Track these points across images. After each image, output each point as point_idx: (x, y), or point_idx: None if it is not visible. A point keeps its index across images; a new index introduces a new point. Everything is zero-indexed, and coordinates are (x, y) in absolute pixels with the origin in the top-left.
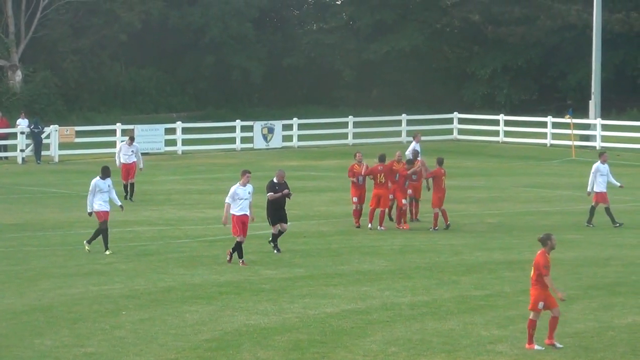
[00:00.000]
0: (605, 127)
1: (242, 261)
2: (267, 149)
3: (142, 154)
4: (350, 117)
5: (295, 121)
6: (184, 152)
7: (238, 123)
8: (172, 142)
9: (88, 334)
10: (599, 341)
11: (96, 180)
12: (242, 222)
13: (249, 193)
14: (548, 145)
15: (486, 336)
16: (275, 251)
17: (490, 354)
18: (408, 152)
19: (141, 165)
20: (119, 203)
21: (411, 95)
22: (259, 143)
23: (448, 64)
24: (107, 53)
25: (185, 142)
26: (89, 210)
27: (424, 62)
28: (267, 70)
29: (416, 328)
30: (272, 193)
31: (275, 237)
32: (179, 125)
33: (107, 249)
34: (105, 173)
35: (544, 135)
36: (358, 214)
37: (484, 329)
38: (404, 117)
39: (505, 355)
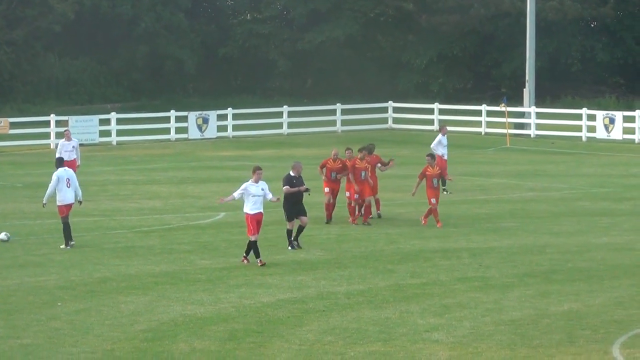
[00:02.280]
0: (539, 115)
1: (260, 260)
2: (202, 139)
3: None
4: (284, 106)
5: (229, 111)
6: (118, 143)
7: (172, 113)
8: (107, 133)
9: (24, 325)
10: (535, 328)
11: (59, 172)
12: (256, 221)
13: (263, 190)
14: (483, 133)
15: (422, 324)
16: (289, 247)
17: (426, 342)
18: (433, 146)
19: (79, 162)
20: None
21: (346, 85)
22: (193, 133)
23: (382, 53)
24: (41, 44)
25: (119, 132)
26: (44, 202)
27: (358, 51)
28: (201, 61)
29: (352, 317)
30: (288, 187)
31: (289, 233)
32: (113, 116)
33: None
34: (62, 164)
35: (478, 124)
36: (353, 210)
37: (420, 317)
38: (338, 107)
39: (441, 344)
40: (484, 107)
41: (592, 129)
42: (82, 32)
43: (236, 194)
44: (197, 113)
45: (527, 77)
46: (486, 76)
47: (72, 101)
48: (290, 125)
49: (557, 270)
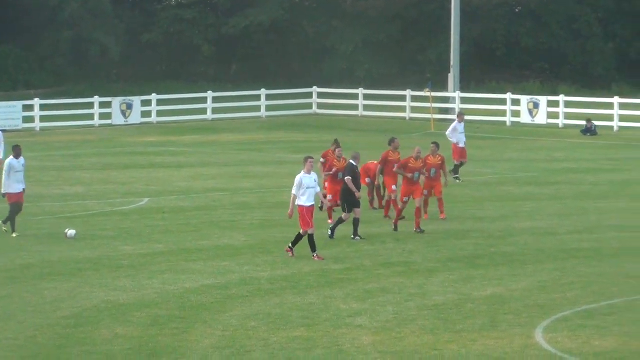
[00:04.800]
0: (464, 100)
1: (316, 255)
2: (126, 125)
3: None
4: (209, 92)
5: (154, 97)
6: (42, 129)
7: (96, 99)
8: (30, 119)
9: None
10: (459, 313)
11: (10, 160)
12: (311, 213)
13: (315, 181)
14: (407, 118)
15: (345, 309)
16: (329, 231)
17: (350, 327)
18: (448, 133)
19: (1, 156)
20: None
21: (271, 70)
22: (117, 119)
23: (307, 39)
24: None
25: (43, 118)
26: (3, 192)
27: (283, 36)
28: (125, 46)
29: (275, 302)
30: (350, 178)
31: (339, 222)
32: (37, 102)
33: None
34: (17, 152)
35: (403, 109)
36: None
37: (343, 303)
38: (263, 92)
39: (365, 329)
40: (408, 93)
41: (516, 113)
42: (6, 18)
43: (294, 191)
44: (121, 99)
45: (451, 63)
46: (412, 61)
47: None
48: (214, 110)
49: (481, 255)
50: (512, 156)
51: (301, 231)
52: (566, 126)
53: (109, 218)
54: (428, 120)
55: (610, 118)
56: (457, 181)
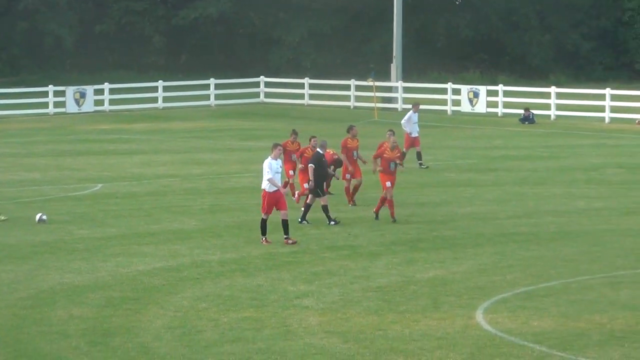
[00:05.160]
0: (406, 90)
1: (265, 239)
2: (80, 113)
3: None
4: (160, 81)
5: (106, 86)
6: None
7: (51, 88)
8: None
9: None
10: (402, 295)
11: None
12: (275, 199)
13: (280, 167)
14: (352, 107)
15: (293, 291)
16: (331, 222)
17: (297, 308)
18: (403, 122)
19: None
20: None
21: (219, 60)
22: (71, 107)
23: (254, 30)
24: None
25: None
26: None
27: (231, 27)
28: (79, 37)
29: (225, 284)
30: (313, 166)
31: (308, 208)
32: None
33: None
34: None
35: (347, 98)
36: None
37: (290, 285)
38: (212, 81)
39: (312, 309)
40: (352, 82)
41: (457, 102)
42: None
43: (266, 175)
44: (75, 88)
45: (394, 53)
46: (356, 52)
47: None
48: (165, 99)
49: (423, 239)
50: (452, 144)
51: (263, 216)
52: (505, 115)
53: (64, 203)
54: (371, 109)
55: (547, 107)
56: (422, 167)
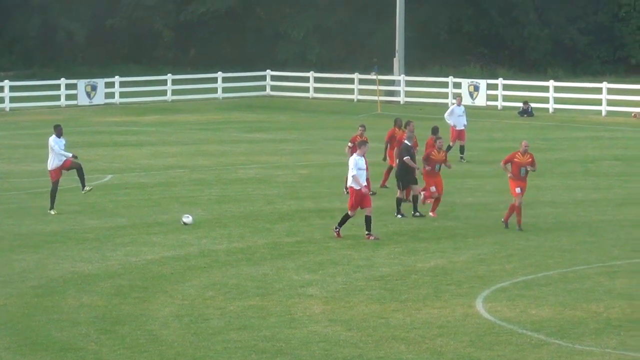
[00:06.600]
0: (408, 83)
1: (369, 234)
2: (91, 105)
3: None
4: (169, 75)
5: (117, 79)
6: (11, 109)
7: (63, 81)
8: (0, 100)
9: None
10: (404, 284)
11: (53, 137)
12: (361, 196)
13: (365, 163)
14: (355, 100)
15: (297, 280)
16: (397, 215)
17: (302, 297)
18: (446, 115)
19: None
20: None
21: (227, 54)
22: (82, 100)
23: (261, 24)
24: None
25: (12, 99)
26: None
27: (238, 22)
28: (90, 31)
29: (232, 273)
30: (409, 157)
31: (399, 201)
32: (6, 83)
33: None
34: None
35: (351, 91)
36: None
37: (295, 274)
38: (219, 75)
39: (316, 298)
40: (356, 76)
41: (457, 96)
42: None
43: (354, 172)
44: (86, 81)
45: (397, 47)
46: (360, 46)
47: None
48: (174, 92)
49: (424, 229)
50: None
51: (349, 212)
52: (504, 108)
53: (75, 194)
54: (375, 102)
55: (545, 100)
56: (462, 161)
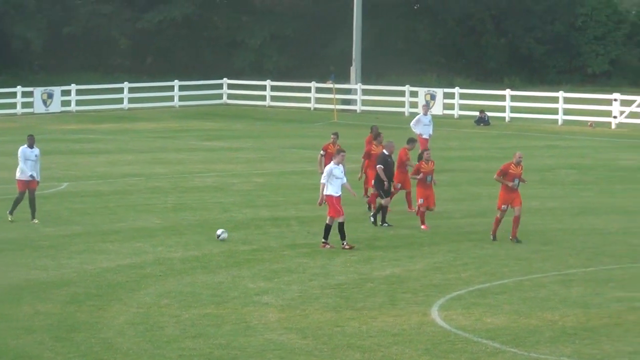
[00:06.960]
0: (365, 92)
1: (345, 243)
2: (47, 113)
3: None
4: (125, 83)
5: (73, 87)
6: None
7: (19, 89)
8: None
9: None
10: (360, 292)
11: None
12: (339, 202)
13: (342, 172)
14: (312, 109)
15: (253, 288)
16: (385, 225)
17: (257, 305)
18: (412, 124)
19: None
20: None
21: (183, 62)
22: (39, 108)
23: (218, 33)
24: None
25: None
26: None
27: (195, 31)
28: (47, 39)
29: (187, 281)
30: (382, 166)
31: (381, 208)
32: None
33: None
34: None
35: (308, 100)
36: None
37: (251, 282)
38: (176, 83)
39: (271, 306)
40: (313, 84)
41: (414, 104)
42: None
43: (324, 180)
44: (43, 89)
45: (354, 56)
46: (317, 55)
47: None
48: (130, 100)
49: (380, 237)
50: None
51: (328, 220)
52: (461, 117)
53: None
54: (331, 110)
55: (502, 109)
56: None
